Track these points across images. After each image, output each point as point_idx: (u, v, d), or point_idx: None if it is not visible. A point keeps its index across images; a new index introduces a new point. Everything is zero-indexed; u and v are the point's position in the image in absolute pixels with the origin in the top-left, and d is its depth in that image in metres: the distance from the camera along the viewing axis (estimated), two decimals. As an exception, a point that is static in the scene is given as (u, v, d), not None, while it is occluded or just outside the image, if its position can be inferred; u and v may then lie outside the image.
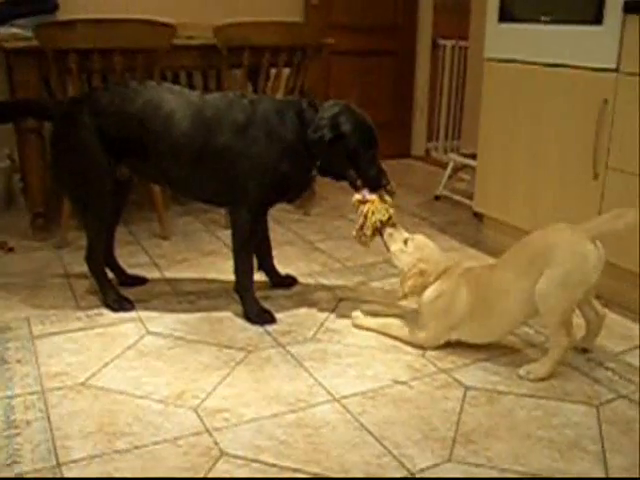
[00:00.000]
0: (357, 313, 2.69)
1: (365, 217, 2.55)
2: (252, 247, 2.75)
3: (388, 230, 2.56)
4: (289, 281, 3.06)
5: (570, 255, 2.24)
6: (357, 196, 2.59)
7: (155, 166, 2.67)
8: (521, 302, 2.34)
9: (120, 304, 2.78)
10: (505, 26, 3.32)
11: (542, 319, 2.49)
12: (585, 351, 2.51)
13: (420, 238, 2.56)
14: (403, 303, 2.72)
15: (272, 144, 2.58)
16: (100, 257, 2.82)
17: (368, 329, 2.64)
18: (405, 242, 2.53)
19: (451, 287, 2.44)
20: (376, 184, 2.60)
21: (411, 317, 2.62)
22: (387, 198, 2.61)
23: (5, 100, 3.33)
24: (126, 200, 2.94)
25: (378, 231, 2.56)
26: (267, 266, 3.01)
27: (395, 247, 2.54)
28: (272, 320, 2.69)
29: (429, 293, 2.46)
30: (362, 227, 2.56)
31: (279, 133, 2.59)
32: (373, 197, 2.57)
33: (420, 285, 2.47)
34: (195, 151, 2.59)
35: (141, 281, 3.05)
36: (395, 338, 2.57)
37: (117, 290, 2.84)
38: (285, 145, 2.59)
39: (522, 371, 2.34)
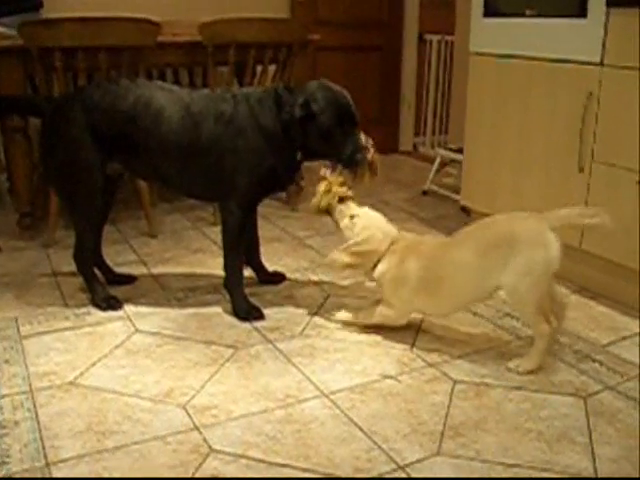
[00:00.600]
0: (338, 314, 2.70)
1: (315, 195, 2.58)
2: (242, 243, 2.74)
3: (338, 207, 2.56)
4: (277, 278, 3.06)
5: (533, 244, 2.26)
6: (320, 172, 2.59)
7: (146, 162, 2.68)
8: (472, 280, 2.36)
9: (108, 303, 2.77)
10: (490, 20, 3.33)
11: (518, 313, 2.51)
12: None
13: (365, 216, 2.57)
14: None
15: (256, 135, 2.58)
16: (89, 255, 2.81)
17: (345, 323, 2.65)
18: (352, 218, 2.54)
19: (398, 259, 2.47)
20: (350, 162, 2.56)
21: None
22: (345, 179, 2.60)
23: None
24: (114, 197, 2.94)
25: (326, 212, 2.59)
26: (255, 263, 3.01)
27: (342, 224, 2.57)
28: (260, 316, 2.69)
29: (380, 268, 2.49)
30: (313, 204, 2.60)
31: (261, 123, 2.58)
32: (330, 177, 2.56)
33: (368, 262, 2.51)
34: (184, 147, 2.59)
35: (129, 279, 3.04)
36: (371, 326, 2.59)
37: (105, 289, 2.84)
38: (267, 134, 2.59)
39: (511, 364, 2.35)
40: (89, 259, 2.82)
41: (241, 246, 2.74)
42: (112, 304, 2.78)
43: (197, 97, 2.65)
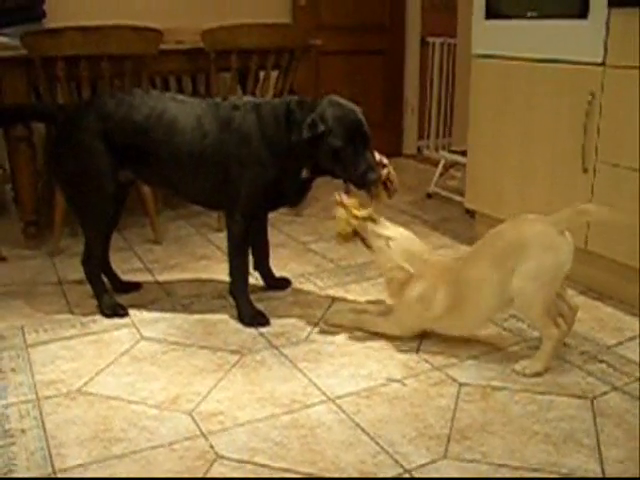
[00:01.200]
0: (330, 314, 2.70)
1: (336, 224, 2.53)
2: (247, 250, 2.75)
3: (370, 228, 2.51)
4: (283, 283, 3.06)
5: (543, 248, 2.26)
6: (336, 196, 2.53)
7: (157, 171, 2.71)
8: (494, 294, 2.36)
9: (114, 310, 2.78)
10: (492, 22, 3.33)
11: (525, 316, 2.51)
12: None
13: (401, 238, 2.52)
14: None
15: (261, 146, 2.58)
16: (97, 262, 2.82)
17: (341, 326, 2.64)
18: (387, 240, 2.50)
19: (429, 289, 2.43)
20: (362, 182, 2.53)
21: (384, 309, 2.66)
22: (369, 200, 2.57)
23: (9, 104, 3.33)
24: (124, 204, 2.95)
25: (350, 237, 2.53)
26: (263, 268, 3.01)
27: (376, 247, 2.52)
28: (266, 322, 2.69)
29: (410, 295, 2.45)
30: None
31: (267, 135, 2.58)
32: (347, 201, 2.50)
33: (401, 285, 2.48)
34: (195, 157, 2.61)
35: (135, 287, 3.05)
36: (370, 332, 2.59)
37: (112, 296, 2.85)
38: (273, 147, 2.58)
39: (518, 367, 2.35)
40: (97, 266, 2.83)
41: (246, 253, 2.74)
42: (118, 312, 2.78)
43: (207, 107, 2.67)
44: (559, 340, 2.35)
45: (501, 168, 3.38)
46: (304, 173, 2.64)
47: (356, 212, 2.49)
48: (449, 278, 2.43)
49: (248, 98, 2.76)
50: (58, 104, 3.35)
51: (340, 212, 2.50)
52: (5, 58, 3.35)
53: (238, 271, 2.73)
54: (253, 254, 2.95)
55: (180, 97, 2.74)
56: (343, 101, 2.58)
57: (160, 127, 2.62)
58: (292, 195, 2.73)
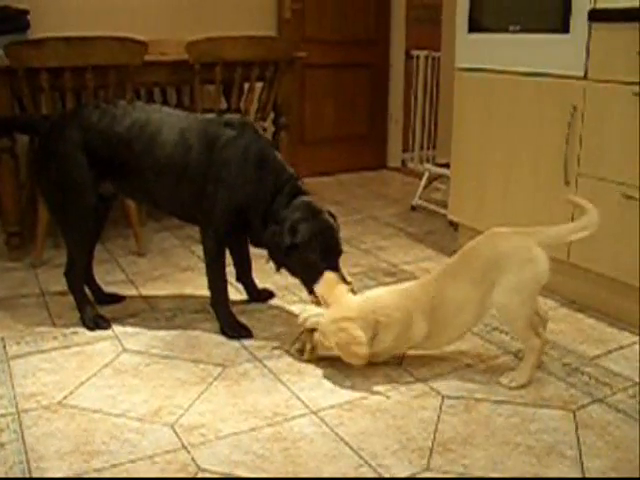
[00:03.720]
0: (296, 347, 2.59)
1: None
2: (222, 264, 2.72)
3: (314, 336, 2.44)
4: (266, 295, 3.06)
5: (522, 261, 2.27)
6: (299, 320, 2.47)
7: (138, 184, 2.69)
8: (475, 311, 2.35)
9: (97, 322, 2.76)
10: (474, 36, 3.35)
11: (508, 329, 2.51)
12: None
13: (324, 325, 2.37)
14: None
15: (240, 181, 2.58)
16: (80, 274, 2.81)
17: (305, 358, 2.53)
18: (312, 332, 2.44)
19: (403, 329, 2.35)
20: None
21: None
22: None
23: None
24: (107, 217, 2.94)
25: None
26: (246, 280, 3.00)
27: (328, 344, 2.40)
28: (248, 334, 2.68)
29: (390, 337, 2.35)
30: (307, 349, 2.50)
31: (253, 176, 2.58)
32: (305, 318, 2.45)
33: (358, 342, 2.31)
34: (175, 171, 2.61)
35: (118, 299, 3.03)
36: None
37: (95, 308, 2.83)
38: (252, 190, 2.59)
39: (504, 380, 2.35)
40: (80, 278, 2.81)
41: (222, 266, 2.72)
42: (101, 324, 2.76)
43: (195, 121, 2.67)
44: (541, 350, 2.36)
45: (484, 180, 3.40)
46: (271, 266, 2.66)
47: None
48: (423, 306, 2.36)
49: (245, 119, 2.74)
50: (41, 115, 3.34)
51: (307, 337, 2.48)
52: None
53: (216, 285, 2.72)
54: (235, 265, 2.95)
55: (167, 109, 2.74)
56: (322, 215, 2.59)
57: (141, 139, 2.62)
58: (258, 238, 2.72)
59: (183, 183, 2.62)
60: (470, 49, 3.40)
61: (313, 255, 2.54)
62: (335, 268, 2.56)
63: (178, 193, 2.65)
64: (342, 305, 2.37)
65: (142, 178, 2.66)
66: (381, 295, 2.43)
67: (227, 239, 2.72)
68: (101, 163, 2.64)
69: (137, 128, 2.62)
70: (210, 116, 2.71)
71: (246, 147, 2.60)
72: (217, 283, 2.72)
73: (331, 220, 2.62)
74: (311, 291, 2.55)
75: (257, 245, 2.74)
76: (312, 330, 2.43)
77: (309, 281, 2.57)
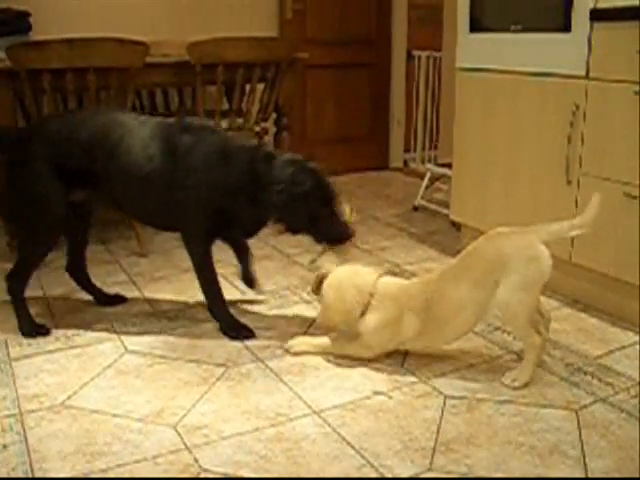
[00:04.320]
0: (292, 342, 2.61)
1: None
2: (211, 267, 2.70)
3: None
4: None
5: (525, 260, 2.27)
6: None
7: (108, 192, 2.68)
8: (477, 311, 2.36)
9: (31, 332, 2.73)
10: (476, 36, 3.35)
11: (509, 326, 2.51)
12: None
13: (333, 279, 2.52)
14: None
15: (212, 181, 2.56)
16: (25, 281, 2.76)
17: (307, 353, 2.57)
18: (319, 284, 2.56)
19: (393, 317, 2.41)
20: (339, 240, 2.60)
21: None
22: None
23: None
24: (89, 220, 2.93)
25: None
26: (246, 275, 2.99)
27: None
28: (250, 334, 2.68)
29: (372, 322, 2.43)
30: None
31: (223, 174, 2.56)
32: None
33: (350, 319, 2.45)
34: (139, 180, 2.58)
35: (120, 300, 3.03)
36: (339, 355, 2.54)
37: (31, 319, 2.77)
38: (228, 187, 2.57)
39: (506, 379, 2.34)
40: (23, 284, 2.76)
41: (211, 270, 2.71)
42: (39, 331, 2.74)
43: (158, 127, 2.64)
44: (542, 348, 2.36)
45: (485, 180, 3.39)
46: (275, 230, 2.66)
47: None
48: (417, 304, 2.39)
49: (203, 122, 2.73)
50: (5, 128, 3.26)
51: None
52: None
53: (209, 288, 2.72)
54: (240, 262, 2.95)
55: (133, 116, 2.71)
56: (310, 164, 2.60)
57: (104, 147, 2.59)
58: (248, 230, 2.74)
59: (149, 191, 2.60)
60: (471, 49, 3.40)
61: (319, 201, 2.55)
62: (334, 214, 2.59)
63: (146, 201, 2.64)
64: (352, 270, 2.53)
65: (110, 186, 2.64)
66: (383, 282, 2.49)
67: (211, 240, 2.71)
68: (69, 173, 2.61)
69: (99, 135, 2.59)
70: (170, 122, 2.68)
71: (207, 151, 2.58)
72: (209, 286, 2.72)
73: (318, 168, 2.63)
74: (321, 241, 2.60)
75: (249, 234, 2.76)
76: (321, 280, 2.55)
77: (319, 231, 2.59)
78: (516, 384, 2.32)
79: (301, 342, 2.59)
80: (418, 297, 2.41)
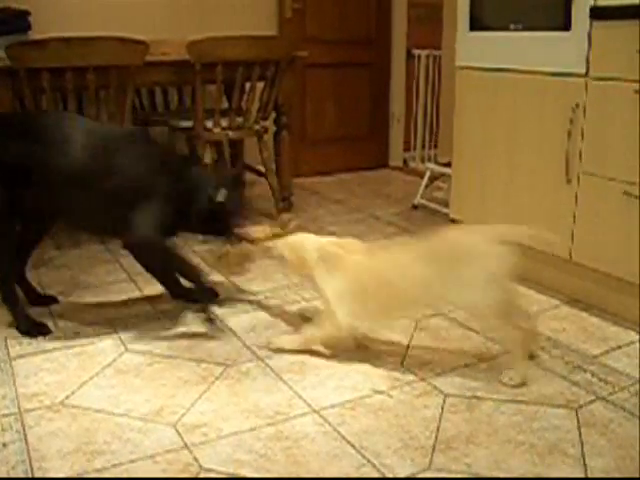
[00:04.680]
0: (274, 339, 2.63)
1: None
2: (173, 250, 2.76)
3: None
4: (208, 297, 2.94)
5: (483, 256, 2.26)
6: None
7: (45, 197, 2.65)
8: (418, 287, 2.35)
9: (35, 330, 2.72)
10: (475, 34, 3.35)
11: (482, 325, 2.54)
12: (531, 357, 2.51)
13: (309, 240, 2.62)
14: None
15: (155, 190, 2.61)
16: (10, 283, 2.76)
17: (290, 350, 2.57)
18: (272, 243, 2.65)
19: (354, 282, 2.43)
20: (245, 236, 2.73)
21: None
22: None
23: None
24: (43, 227, 2.92)
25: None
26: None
27: (276, 252, 2.66)
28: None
29: (318, 280, 2.49)
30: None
31: (162, 183, 2.63)
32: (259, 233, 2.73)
33: (300, 268, 2.57)
34: (81, 187, 2.57)
35: (52, 300, 3.02)
36: (317, 345, 2.56)
37: (29, 316, 2.77)
38: (166, 194, 2.63)
39: (504, 378, 2.34)
40: (7, 286, 2.75)
41: (175, 251, 2.77)
42: (40, 332, 2.74)
43: (96, 133, 2.64)
44: (525, 341, 2.36)
45: (485, 179, 3.39)
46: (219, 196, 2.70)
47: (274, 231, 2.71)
48: (369, 260, 2.45)
49: (137, 129, 2.82)
50: None
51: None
52: (-11, 69, 3.34)
53: (183, 262, 2.78)
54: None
55: (80, 118, 2.74)
56: (227, 174, 2.80)
57: (44, 149, 2.56)
58: (200, 223, 2.76)
59: (88, 193, 2.59)
60: (471, 47, 3.39)
61: (235, 203, 2.71)
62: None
63: (86, 204, 2.63)
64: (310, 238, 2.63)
65: (48, 190, 2.61)
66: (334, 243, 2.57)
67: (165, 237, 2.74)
68: (10, 176, 2.57)
69: (40, 138, 2.57)
70: (113, 126, 2.75)
71: (141, 157, 2.63)
72: (181, 261, 2.76)
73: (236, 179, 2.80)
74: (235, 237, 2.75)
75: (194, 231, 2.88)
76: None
77: (232, 231, 2.75)
78: (512, 382, 2.32)
79: (282, 340, 2.60)
80: (373, 270, 2.44)
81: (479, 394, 2.28)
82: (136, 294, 3.12)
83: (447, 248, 2.33)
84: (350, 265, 2.45)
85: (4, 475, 1.88)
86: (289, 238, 2.63)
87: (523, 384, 2.32)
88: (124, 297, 3.11)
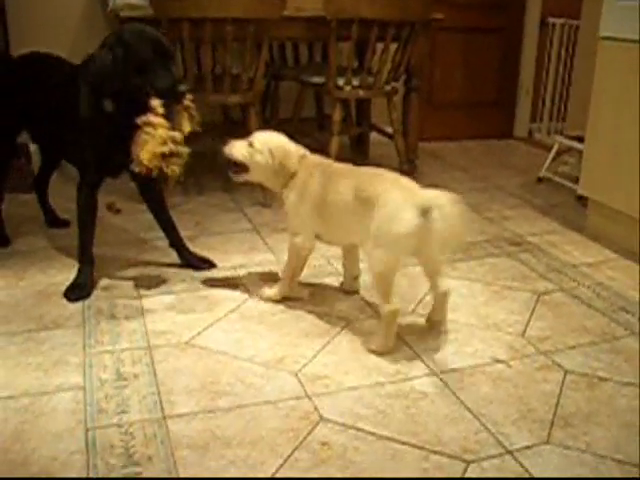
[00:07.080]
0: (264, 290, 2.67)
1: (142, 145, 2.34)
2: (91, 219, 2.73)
3: (230, 144, 2.53)
4: (205, 264, 2.95)
5: (387, 214, 2.21)
6: (143, 118, 2.35)
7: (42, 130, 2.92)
8: (345, 217, 2.38)
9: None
10: (625, 3, 3.19)
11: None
12: (435, 324, 2.48)
13: (263, 134, 2.54)
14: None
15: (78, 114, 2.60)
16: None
17: (278, 299, 2.63)
18: (250, 144, 2.51)
19: (306, 175, 2.47)
20: (173, 94, 2.42)
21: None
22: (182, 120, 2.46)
23: None
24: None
25: (161, 160, 2.35)
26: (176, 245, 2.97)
27: (244, 155, 2.51)
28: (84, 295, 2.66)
29: (291, 185, 2.51)
30: (139, 156, 2.34)
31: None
32: (157, 120, 2.34)
33: (282, 176, 2.51)
34: (55, 116, 2.71)
35: (64, 224, 3.32)
36: (293, 280, 2.63)
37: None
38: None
39: (371, 345, 2.32)
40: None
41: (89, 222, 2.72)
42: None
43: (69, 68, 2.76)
44: (393, 317, 2.28)
45: (620, 158, 3.27)
46: (107, 105, 2.49)
47: (171, 132, 2.37)
48: (326, 174, 2.45)
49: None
50: None
51: (151, 132, 2.34)
52: (132, 18, 3.43)
53: (81, 239, 2.72)
54: (163, 232, 2.94)
55: (54, 57, 2.87)
56: (135, 25, 2.59)
57: (30, 86, 2.79)
58: (120, 154, 2.50)
59: (58, 125, 2.73)
60: (619, 17, 3.22)
61: (140, 55, 2.40)
62: (171, 69, 2.46)
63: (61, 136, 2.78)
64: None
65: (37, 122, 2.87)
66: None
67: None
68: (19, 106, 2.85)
69: (28, 76, 2.83)
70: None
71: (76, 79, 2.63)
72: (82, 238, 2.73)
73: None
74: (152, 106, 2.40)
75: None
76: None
77: (152, 88, 2.41)
78: (373, 347, 2.30)
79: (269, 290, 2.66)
80: (331, 166, 2.51)
81: (600, 374, 2.23)
82: (260, 243, 3.19)
83: (371, 194, 2.27)
84: (320, 176, 2.45)
85: (136, 403, 1.99)
86: (268, 135, 2.55)
87: (380, 353, 2.28)
88: (247, 246, 3.18)
